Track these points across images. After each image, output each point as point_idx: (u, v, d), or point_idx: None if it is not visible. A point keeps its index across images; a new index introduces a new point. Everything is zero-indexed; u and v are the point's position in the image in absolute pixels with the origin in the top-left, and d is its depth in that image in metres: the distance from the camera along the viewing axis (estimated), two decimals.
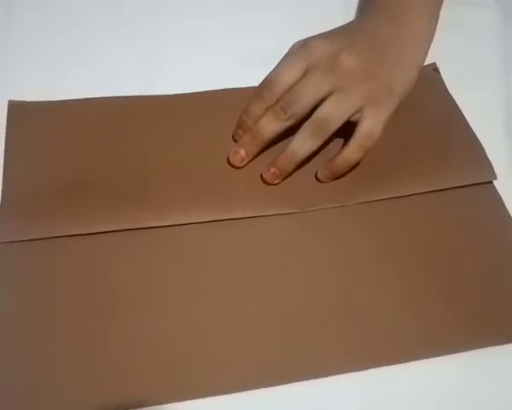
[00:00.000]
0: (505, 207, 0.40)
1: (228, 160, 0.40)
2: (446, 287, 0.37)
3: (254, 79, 0.43)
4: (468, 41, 0.49)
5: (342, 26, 0.43)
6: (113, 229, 0.37)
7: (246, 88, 0.44)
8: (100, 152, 0.40)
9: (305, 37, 0.41)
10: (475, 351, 0.34)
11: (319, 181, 0.40)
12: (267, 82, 0.41)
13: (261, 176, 0.40)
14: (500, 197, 0.40)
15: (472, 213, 0.40)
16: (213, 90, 0.44)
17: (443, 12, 0.51)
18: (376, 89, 0.39)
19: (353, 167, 0.40)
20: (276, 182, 0.40)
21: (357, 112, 0.39)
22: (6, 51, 0.45)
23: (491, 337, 0.35)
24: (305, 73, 0.39)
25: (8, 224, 0.36)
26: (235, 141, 0.41)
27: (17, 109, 0.41)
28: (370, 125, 0.39)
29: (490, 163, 0.41)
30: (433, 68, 0.47)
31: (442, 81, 0.46)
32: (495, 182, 0.41)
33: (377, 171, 0.41)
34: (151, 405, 0.32)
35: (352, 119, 0.39)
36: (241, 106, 0.41)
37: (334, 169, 0.40)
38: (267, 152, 0.41)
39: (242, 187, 0.40)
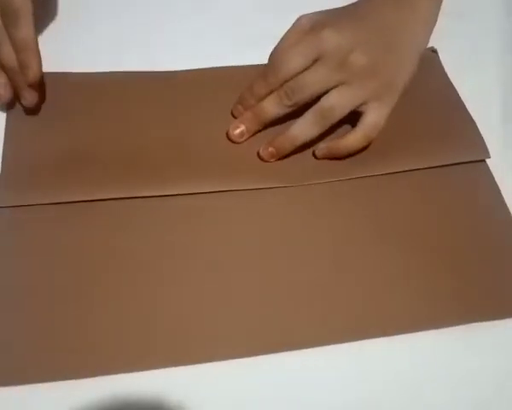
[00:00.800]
0: (497, 186, 0.41)
1: (227, 133, 0.41)
2: (440, 261, 0.37)
3: (255, 58, 0.44)
4: (468, 27, 0.49)
5: (350, 11, 0.42)
6: (112, 197, 0.38)
7: (246, 66, 0.45)
8: (101, 124, 0.41)
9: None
10: (469, 326, 0.35)
11: (315, 157, 0.41)
12: (274, 65, 0.41)
13: (258, 152, 0.41)
14: (492, 176, 0.41)
15: (465, 189, 0.41)
16: (214, 67, 0.45)
17: None
18: (381, 86, 0.40)
19: (350, 155, 0.41)
20: (271, 160, 0.41)
21: (361, 104, 0.40)
22: None
23: (485, 312, 0.35)
24: (314, 63, 0.39)
25: (8, 189, 0.37)
26: (234, 116, 0.42)
27: None
28: (375, 117, 0.40)
29: (483, 142, 0.42)
30: (432, 50, 0.48)
31: (440, 62, 0.47)
32: (491, 164, 0.42)
33: (372, 147, 0.41)
34: (145, 369, 0.32)
35: (357, 110, 0.40)
36: (242, 83, 0.42)
37: (333, 151, 0.41)
38: (265, 130, 0.42)
39: (240, 161, 0.40)
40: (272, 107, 0.40)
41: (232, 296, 0.35)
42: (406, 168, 0.41)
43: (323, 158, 0.41)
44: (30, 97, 0.39)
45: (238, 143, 0.41)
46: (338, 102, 0.39)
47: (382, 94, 0.40)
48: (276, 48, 0.41)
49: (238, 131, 0.41)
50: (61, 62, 0.43)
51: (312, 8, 0.41)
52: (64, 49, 0.45)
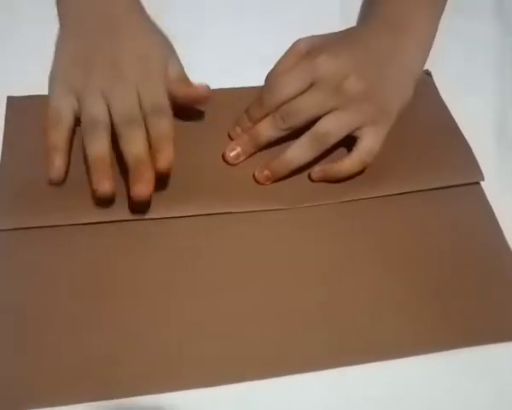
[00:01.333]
0: (491, 208, 0.41)
1: (223, 155, 0.42)
2: (431, 285, 0.37)
3: (254, 80, 0.44)
4: (464, 49, 0.49)
5: (347, 36, 0.43)
6: (105, 220, 0.38)
7: (245, 88, 0.45)
8: None
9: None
10: (456, 351, 0.35)
11: (310, 180, 0.42)
12: (270, 88, 0.41)
13: (253, 175, 0.41)
14: (486, 198, 0.41)
15: (459, 212, 0.41)
16: (213, 89, 0.45)
17: (441, 20, 0.52)
18: (376, 111, 0.40)
19: (345, 179, 0.41)
20: (267, 183, 0.41)
21: (356, 129, 0.40)
22: (6, 49, 0.46)
23: (474, 337, 0.35)
24: (310, 87, 0.40)
25: (3, 212, 0.37)
26: (231, 138, 0.43)
27: (15, 104, 0.42)
28: (371, 142, 0.40)
29: (477, 164, 0.42)
30: (426, 73, 0.48)
31: (434, 85, 0.48)
32: (485, 187, 0.42)
33: (367, 170, 0.41)
34: (141, 394, 0.32)
35: (353, 134, 0.40)
36: (240, 105, 0.43)
37: (329, 174, 0.41)
38: (262, 152, 0.42)
39: (236, 183, 0.41)
40: (267, 130, 0.41)
41: (225, 320, 0.35)
42: (400, 191, 0.41)
43: (319, 181, 0.41)
44: (147, 190, 0.36)
45: (234, 165, 0.42)
46: (333, 127, 0.40)
47: (378, 119, 0.40)
48: (272, 71, 0.42)
49: (234, 153, 0.42)
50: None
51: (312, 31, 0.42)
52: None
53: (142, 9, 0.44)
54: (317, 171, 0.41)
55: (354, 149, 0.41)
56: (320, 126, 0.40)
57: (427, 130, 0.45)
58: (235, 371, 0.33)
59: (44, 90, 0.42)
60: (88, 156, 0.37)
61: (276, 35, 0.45)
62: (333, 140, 0.40)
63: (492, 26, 0.53)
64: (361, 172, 0.41)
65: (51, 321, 0.34)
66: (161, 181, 0.39)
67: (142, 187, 0.35)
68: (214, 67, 0.46)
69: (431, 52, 0.48)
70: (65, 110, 0.39)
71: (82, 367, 0.32)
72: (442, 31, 0.51)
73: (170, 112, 0.39)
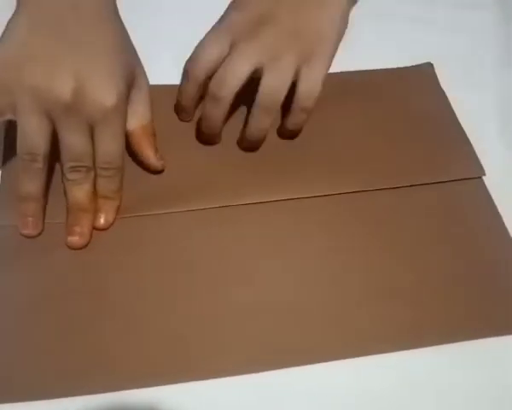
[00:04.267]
0: (493, 202, 0.40)
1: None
2: (433, 277, 0.37)
3: None
4: (466, 42, 0.49)
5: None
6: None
7: None
8: None
9: None
10: (462, 343, 0.35)
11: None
12: (192, 59, 0.40)
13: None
14: (488, 192, 0.41)
15: (460, 205, 0.40)
16: None
17: (442, 13, 0.52)
18: (306, 43, 0.38)
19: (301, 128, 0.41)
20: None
21: (295, 74, 0.38)
22: None
23: (476, 330, 0.35)
24: (230, 49, 0.38)
25: (6, 207, 0.37)
26: (181, 120, 0.42)
27: None
28: (308, 86, 0.38)
29: (477, 159, 0.42)
30: (428, 64, 0.48)
31: (436, 77, 0.47)
32: (488, 180, 0.41)
33: (366, 162, 0.41)
34: (145, 387, 0.32)
35: (294, 81, 0.38)
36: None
37: (287, 135, 0.42)
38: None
39: (232, 176, 0.40)
40: (212, 113, 0.39)
41: (229, 313, 0.35)
42: (397, 185, 0.41)
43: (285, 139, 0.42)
44: (81, 242, 0.36)
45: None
46: (273, 85, 0.38)
47: (311, 53, 0.38)
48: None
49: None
50: None
51: None
52: None
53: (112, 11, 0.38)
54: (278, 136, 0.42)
55: (294, 99, 0.39)
56: (261, 92, 0.38)
57: (428, 123, 0.44)
58: (239, 363, 0.33)
59: None
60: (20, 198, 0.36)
61: None
62: (280, 97, 0.38)
63: (494, 17, 0.52)
64: (358, 157, 0.41)
65: (51, 317, 0.34)
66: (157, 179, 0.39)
67: (77, 240, 0.36)
68: None
69: (433, 46, 0.49)
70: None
71: (82, 361, 0.32)
72: (443, 24, 0.51)
73: (123, 168, 0.36)
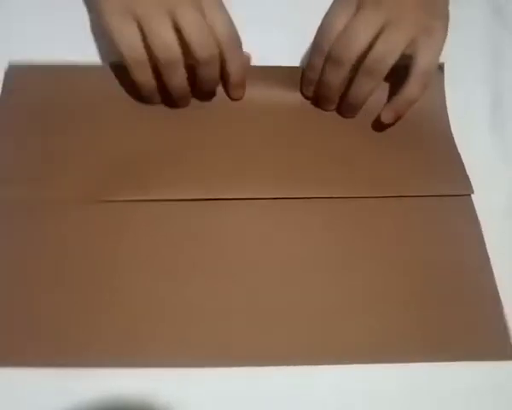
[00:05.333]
0: (478, 221, 0.40)
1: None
2: (409, 292, 0.37)
3: None
4: (457, 39, 0.46)
5: None
6: (97, 200, 0.38)
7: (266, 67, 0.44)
8: (90, 122, 0.41)
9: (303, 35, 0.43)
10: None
11: (384, 123, 0.42)
12: (319, 32, 0.41)
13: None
14: (474, 211, 0.41)
15: (443, 222, 0.40)
16: None
17: None
18: (427, 16, 0.39)
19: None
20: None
21: (411, 43, 0.38)
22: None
23: (444, 353, 0.36)
24: (353, 16, 0.39)
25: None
26: (306, 97, 0.44)
27: (15, 71, 0.42)
28: (427, 61, 0.39)
29: (467, 177, 0.42)
30: (439, 66, 0.45)
31: (442, 83, 0.46)
32: (479, 183, 0.42)
33: (359, 169, 0.42)
34: (153, 366, 0.33)
35: (407, 51, 0.39)
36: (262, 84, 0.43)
37: (397, 109, 0.42)
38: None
39: (226, 169, 0.41)
40: (333, 79, 0.40)
41: (227, 313, 0.36)
42: (384, 195, 0.41)
43: (392, 121, 0.42)
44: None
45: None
46: (386, 48, 0.38)
47: (431, 26, 0.39)
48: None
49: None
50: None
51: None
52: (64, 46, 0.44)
53: None
54: (385, 112, 0.42)
55: (410, 71, 0.39)
56: (373, 54, 0.38)
57: (421, 130, 0.44)
58: (233, 355, 0.34)
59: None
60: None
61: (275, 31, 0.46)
62: (390, 61, 0.38)
63: (484, 13, 0.51)
64: (349, 165, 0.42)
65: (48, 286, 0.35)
66: (154, 165, 0.40)
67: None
68: None
69: None
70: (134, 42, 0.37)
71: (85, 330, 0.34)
72: None
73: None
